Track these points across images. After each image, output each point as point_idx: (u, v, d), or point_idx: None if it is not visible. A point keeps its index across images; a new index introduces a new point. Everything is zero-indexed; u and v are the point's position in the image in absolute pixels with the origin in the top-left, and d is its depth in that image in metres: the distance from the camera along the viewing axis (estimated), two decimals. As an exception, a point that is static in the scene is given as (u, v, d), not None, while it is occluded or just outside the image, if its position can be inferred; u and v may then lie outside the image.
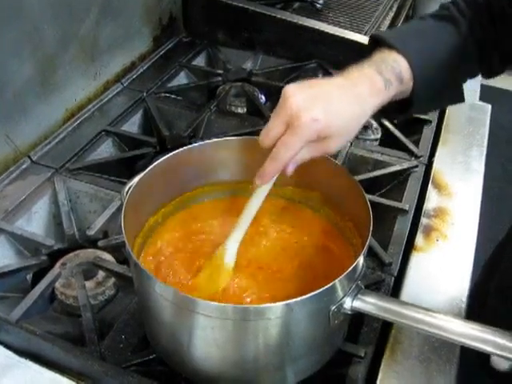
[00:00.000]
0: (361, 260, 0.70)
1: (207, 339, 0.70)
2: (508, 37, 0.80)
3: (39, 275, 0.93)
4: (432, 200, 1.08)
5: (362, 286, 0.72)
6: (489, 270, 1.12)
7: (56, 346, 0.78)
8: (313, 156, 0.72)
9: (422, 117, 1.33)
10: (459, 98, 0.85)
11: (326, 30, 1.52)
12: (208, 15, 1.64)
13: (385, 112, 0.77)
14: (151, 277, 0.68)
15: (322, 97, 0.70)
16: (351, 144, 1.21)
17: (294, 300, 0.64)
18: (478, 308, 0.93)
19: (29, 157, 1.14)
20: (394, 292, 0.90)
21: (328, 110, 0.69)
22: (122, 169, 1.16)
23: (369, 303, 0.70)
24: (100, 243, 0.97)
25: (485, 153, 1.23)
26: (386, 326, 0.83)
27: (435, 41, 0.80)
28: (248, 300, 0.76)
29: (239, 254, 0.80)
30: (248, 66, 1.55)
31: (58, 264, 0.95)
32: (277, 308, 0.65)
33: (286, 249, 0.84)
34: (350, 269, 0.67)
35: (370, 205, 0.75)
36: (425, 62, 0.77)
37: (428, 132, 1.29)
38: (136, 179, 0.78)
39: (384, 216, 1.04)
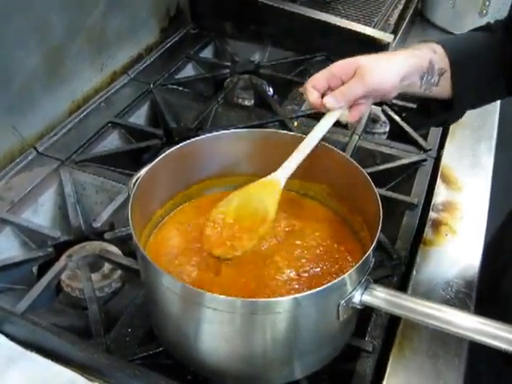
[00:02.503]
0: (370, 254, 0.69)
1: (215, 333, 0.70)
2: None
3: (45, 267, 0.93)
4: (441, 194, 1.07)
5: (371, 281, 0.71)
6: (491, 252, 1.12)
7: (62, 338, 0.77)
8: (357, 91, 0.78)
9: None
10: (502, 92, 0.88)
11: (335, 23, 1.51)
12: (216, 7, 1.63)
13: (428, 113, 0.87)
14: (159, 269, 0.67)
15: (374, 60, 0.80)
16: (359, 137, 1.20)
17: (303, 294, 0.63)
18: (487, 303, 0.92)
19: (35, 148, 1.14)
20: (403, 286, 0.90)
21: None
22: (128, 161, 1.15)
23: (378, 297, 0.70)
24: (106, 235, 0.97)
25: (494, 146, 1.22)
26: (394, 321, 0.83)
27: (469, 38, 0.88)
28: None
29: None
30: (256, 58, 1.55)
31: (63, 256, 0.94)
32: (285, 302, 0.65)
33: (293, 242, 0.83)
34: (359, 263, 0.66)
35: (379, 199, 0.74)
36: (459, 50, 0.83)
37: (437, 125, 1.28)
38: (143, 171, 0.78)
39: (392, 210, 1.03)
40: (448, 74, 0.82)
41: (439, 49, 0.82)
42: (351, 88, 0.78)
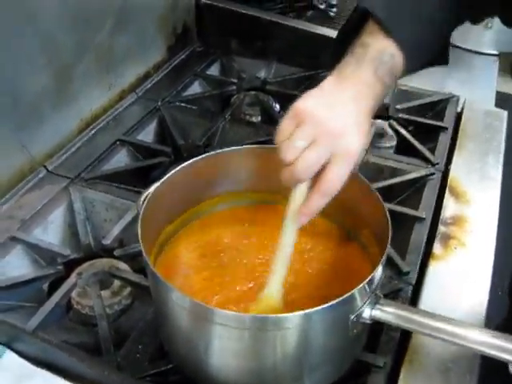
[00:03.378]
0: (380, 269, 0.69)
1: (224, 349, 0.70)
2: None
3: (55, 285, 0.93)
4: (449, 208, 1.07)
5: (381, 295, 0.71)
6: None
7: (72, 355, 0.78)
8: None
9: (438, 124, 1.32)
10: (445, 59, 0.85)
11: (340, 38, 1.52)
12: (221, 24, 1.65)
13: None
14: (168, 286, 0.67)
15: (346, 120, 0.70)
16: (366, 152, 1.20)
17: (313, 309, 0.63)
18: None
19: (44, 166, 1.15)
20: (412, 301, 0.89)
21: (360, 133, 0.70)
22: (137, 178, 1.16)
23: (388, 312, 0.70)
24: (116, 252, 0.97)
25: (502, 159, 1.22)
26: (404, 336, 0.82)
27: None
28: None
29: (254, 263, 0.81)
30: (262, 74, 1.56)
31: (73, 273, 0.95)
32: (295, 317, 0.64)
33: (301, 257, 0.84)
34: (368, 278, 0.66)
35: (388, 213, 0.74)
36: (414, 38, 0.75)
37: (444, 139, 1.28)
38: (152, 188, 0.78)
39: (401, 224, 1.02)
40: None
41: (399, 65, 0.74)
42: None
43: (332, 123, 0.68)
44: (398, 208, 1.06)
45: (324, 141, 0.68)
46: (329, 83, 0.73)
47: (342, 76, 0.73)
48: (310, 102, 0.71)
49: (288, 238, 0.74)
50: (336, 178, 0.69)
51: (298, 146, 0.68)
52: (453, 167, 1.18)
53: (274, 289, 0.75)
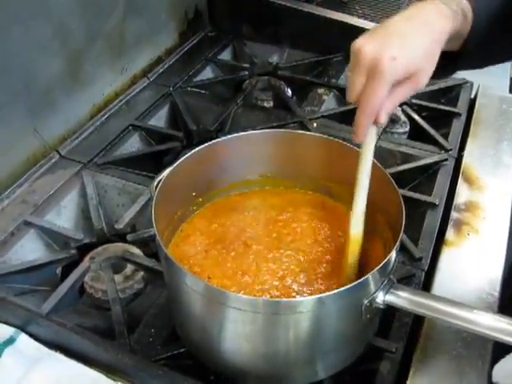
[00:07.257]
0: (393, 254, 0.69)
1: (237, 333, 0.70)
2: None
3: (68, 269, 0.94)
4: (462, 194, 1.07)
5: (395, 281, 0.71)
6: None
7: (85, 338, 0.79)
8: (405, 97, 0.71)
9: (452, 110, 1.31)
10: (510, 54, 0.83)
11: (352, 23, 1.51)
12: (233, 9, 1.64)
13: None
14: (182, 269, 0.67)
15: (392, 33, 0.69)
16: (380, 137, 1.20)
17: (326, 294, 0.63)
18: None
19: (57, 151, 1.15)
20: (425, 286, 0.89)
21: (403, 44, 0.67)
22: (149, 163, 1.16)
23: (401, 297, 0.69)
24: (128, 237, 0.97)
25: (516, 146, 1.21)
26: (417, 321, 0.82)
27: None
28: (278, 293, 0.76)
29: (272, 246, 0.81)
30: (274, 59, 1.55)
31: (87, 258, 0.95)
32: (308, 302, 0.65)
33: (317, 243, 0.84)
34: (382, 263, 0.66)
35: (402, 199, 0.74)
36: (486, 8, 0.75)
37: (457, 125, 1.27)
38: (165, 173, 0.78)
39: (414, 210, 1.02)
40: (463, 37, 0.75)
41: (469, 13, 0.74)
42: (404, 94, 0.70)
43: (399, 64, 0.66)
44: (411, 194, 1.06)
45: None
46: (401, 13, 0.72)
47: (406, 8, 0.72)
48: (370, 44, 0.68)
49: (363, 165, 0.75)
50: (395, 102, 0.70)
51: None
52: (466, 153, 1.17)
53: (353, 223, 0.76)
